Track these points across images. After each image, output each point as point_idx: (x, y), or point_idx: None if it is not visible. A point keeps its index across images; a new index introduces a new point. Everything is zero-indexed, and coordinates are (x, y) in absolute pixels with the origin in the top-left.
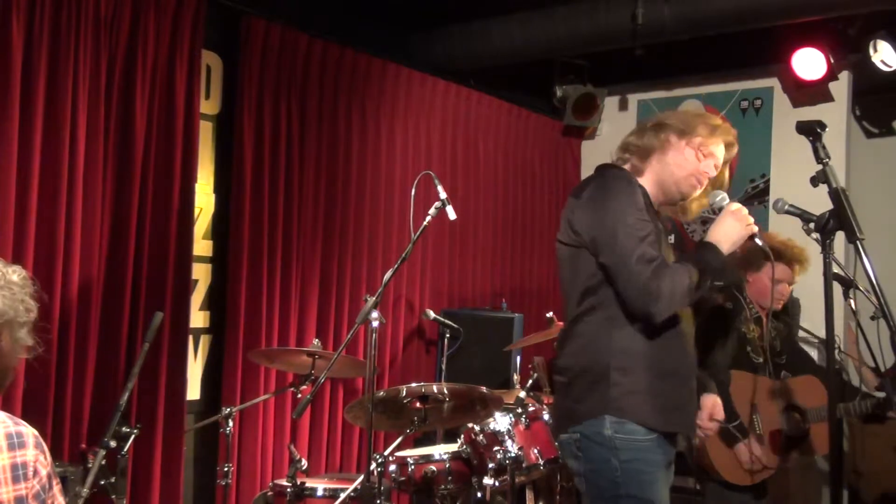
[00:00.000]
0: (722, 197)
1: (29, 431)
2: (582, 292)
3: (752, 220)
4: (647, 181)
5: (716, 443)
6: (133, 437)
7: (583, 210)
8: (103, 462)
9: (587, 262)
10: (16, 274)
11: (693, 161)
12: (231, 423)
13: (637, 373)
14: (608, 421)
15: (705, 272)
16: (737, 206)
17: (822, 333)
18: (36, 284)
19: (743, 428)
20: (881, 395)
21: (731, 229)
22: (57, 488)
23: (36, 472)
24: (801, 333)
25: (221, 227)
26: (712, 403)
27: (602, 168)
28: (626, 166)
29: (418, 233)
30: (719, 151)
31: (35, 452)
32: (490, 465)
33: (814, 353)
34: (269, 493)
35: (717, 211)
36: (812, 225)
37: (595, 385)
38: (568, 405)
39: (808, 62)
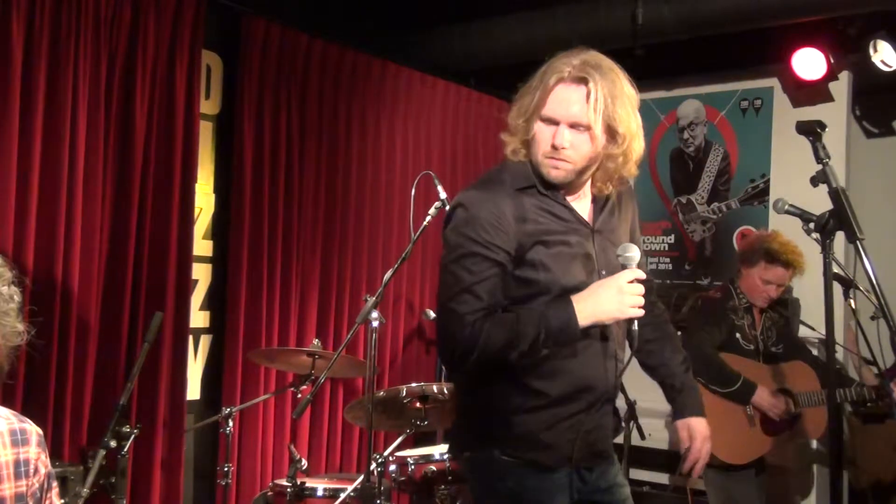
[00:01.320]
0: (630, 255)
1: (33, 429)
2: None
3: (639, 302)
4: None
5: (712, 425)
6: (133, 437)
7: (444, 233)
8: (103, 462)
9: None
10: None
11: (534, 143)
12: (231, 423)
13: (521, 407)
14: (496, 452)
15: (540, 337)
16: (634, 274)
17: (822, 333)
18: (14, 269)
19: (747, 387)
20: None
21: (605, 302)
22: (54, 491)
23: (36, 471)
24: (802, 332)
25: (221, 227)
26: (686, 427)
27: (498, 170)
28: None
29: (418, 233)
30: (560, 98)
31: (37, 451)
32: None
33: (814, 351)
34: (269, 493)
35: (621, 266)
36: (812, 225)
37: (478, 416)
38: (456, 433)
39: (808, 62)
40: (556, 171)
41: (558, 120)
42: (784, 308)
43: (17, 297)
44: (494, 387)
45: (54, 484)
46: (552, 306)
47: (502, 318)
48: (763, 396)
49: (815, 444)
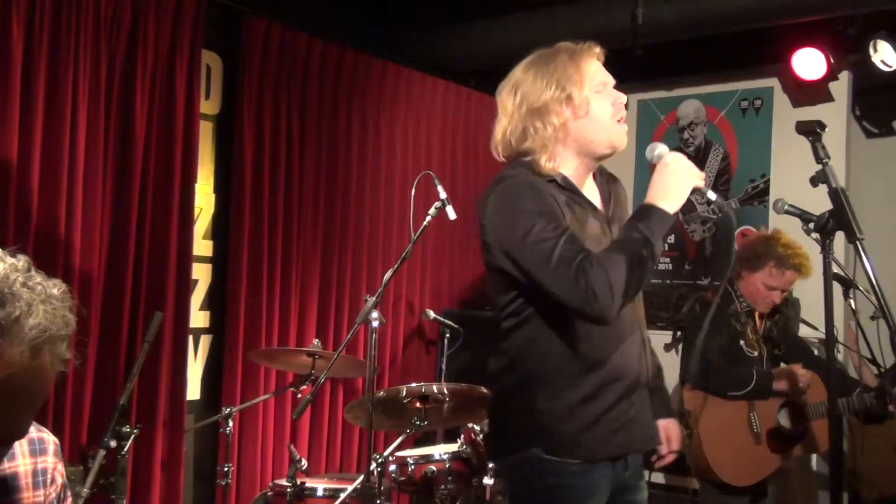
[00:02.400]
0: (660, 150)
1: (50, 438)
2: (503, 307)
3: (694, 168)
4: (566, 165)
5: (713, 441)
6: (133, 437)
7: (490, 229)
8: (103, 462)
9: (503, 284)
10: (56, 288)
11: (600, 109)
12: (231, 423)
13: (563, 397)
14: (534, 453)
15: (649, 240)
16: (676, 155)
17: (822, 333)
18: (75, 298)
19: (764, 378)
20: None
21: (670, 181)
22: (69, 501)
23: (53, 480)
24: (803, 331)
25: (221, 227)
26: (664, 429)
27: (501, 175)
28: (543, 163)
29: (418, 233)
30: (600, 70)
31: (54, 460)
32: (490, 465)
33: (815, 351)
34: (269, 493)
35: (657, 159)
36: (812, 225)
37: (519, 413)
38: (496, 435)
39: (808, 62)
40: (624, 127)
41: (606, 83)
42: (785, 306)
43: (72, 327)
44: (534, 385)
45: (69, 494)
46: (634, 219)
47: (602, 253)
48: (782, 378)
49: (817, 461)
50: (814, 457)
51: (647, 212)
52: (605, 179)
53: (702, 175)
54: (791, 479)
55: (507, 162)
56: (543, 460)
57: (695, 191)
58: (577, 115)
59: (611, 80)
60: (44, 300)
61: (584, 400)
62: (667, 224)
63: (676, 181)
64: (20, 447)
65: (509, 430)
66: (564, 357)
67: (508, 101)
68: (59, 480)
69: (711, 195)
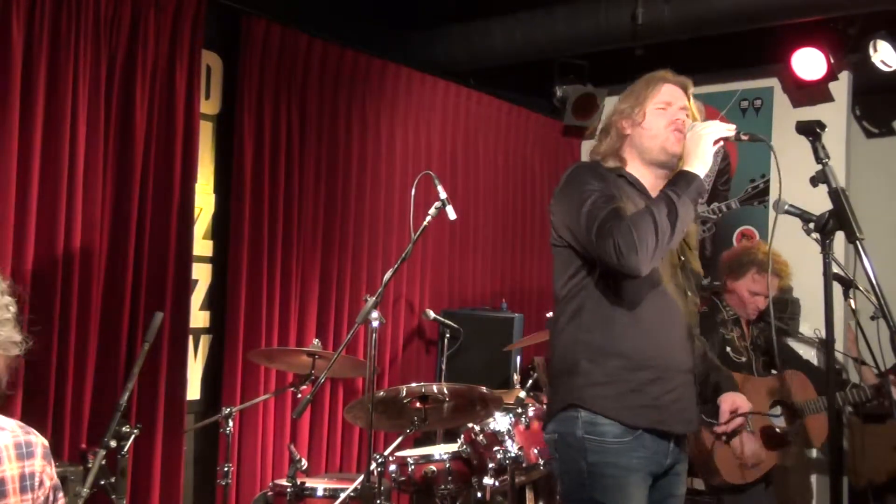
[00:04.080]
0: (690, 125)
1: (38, 441)
2: (560, 287)
3: (720, 125)
4: (633, 167)
5: (722, 443)
6: (133, 437)
7: (555, 204)
8: (103, 462)
9: (567, 257)
10: None
11: (656, 122)
12: (231, 423)
13: (606, 362)
14: (580, 420)
15: (672, 201)
16: (705, 123)
17: (822, 333)
18: (8, 279)
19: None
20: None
21: (692, 146)
22: (60, 503)
23: (41, 484)
24: (802, 332)
25: (221, 227)
26: (731, 399)
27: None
28: (607, 162)
29: (418, 233)
30: (669, 92)
31: (42, 463)
32: (490, 465)
33: (813, 353)
34: (269, 493)
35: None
36: (812, 225)
37: (564, 377)
38: (549, 399)
39: (808, 62)
40: (677, 136)
41: (671, 103)
42: (766, 314)
43: (12, 308)
44: (580, 348)
45: (60, 495)
46: (668, 183)
47: (635, 212)
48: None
49: (815, 452)
50: (814, 455)
51: (675, 176)
52: None
53: (732, 127)
54: (790, 482)
55: None
56: (585, 439)
57: (729, 140)
58: (633, 125)
59: (678, 102)
60: None
61: (623, 369)
62: (692, 183)
63: (697, 142)
64: (6, 451)
65: (558, 396)
66: (606, 332)
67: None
68: (48, 483)
69: (744, 136)
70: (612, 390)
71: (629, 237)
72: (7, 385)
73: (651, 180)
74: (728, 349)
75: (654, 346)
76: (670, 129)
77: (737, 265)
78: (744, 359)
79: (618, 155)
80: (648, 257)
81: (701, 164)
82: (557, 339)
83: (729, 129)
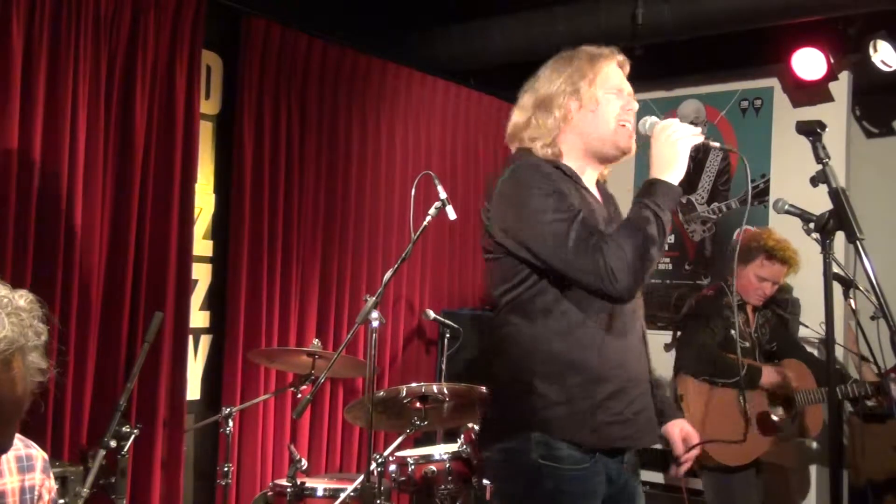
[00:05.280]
0: (651, 121)
1: (38, 455)
2: (500, 296)
3: (688, 128)
4: (570, 157)
5: (707, 424)
6: (133, 437)
7: (496, 214)
8: (103, 462)
9: (510, 267)
10: (23, 299)
11: (608, 109)
12: (231, 423)
13: (563, 379)
14: (533, 442)
15: (658, 216)
16: (667, 122)
17: (822, 333)
18: (44, 307)
19: (753, 370)
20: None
21: (667, 151)
22: None
23: (40, 497)
24: (802, 332)
25: (221, 227)
26: (680, 427)
27: (510, 162)
28: (538, 147)
29: (418, 233)
30: (618, 74)
31: (42, 476)
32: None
33: (814, 352)
34: (269, 493)
35: (649, 129)
36: (812, 225)
37: (516, 397)
38: (490, 419)
39: (808, 62)
40: (628, 130)
41: (622, 89)
42: (777, 306)
43: (43, 336)
44: (534, 369)
45: None
46: (641, 195)
47: (615, 231)
48: (771, 375)
49: (814, 444)
50: (813, 447)
51: (652, 187)
52: (606, 192)
53: (698, 130)
54: (790, 482)
55: (509, 155)
56: (541, 446)
57: (698, 148)
58: (581, 108)
59: (628, 89)
60: (9, 312)
61: (583, 385)
62: (673, 196)
63: (673, 149)
64: (7, 464)
65: (507, 416)
66: (564, 342)
67: (524, 96)
68: (47, 497)
69: (714, 143)
70: (571, 409)
71: (621, 259)
72: (26, 411)
73: (587, 173)
74: (733, 332)
75: (614, 355)
76: (623, 119)
77: (746, 250)
78: (747, 344)
79: (554, 141)
80: (639, 281)
81: (679, 173)
82: (505, 354)
83: (695, 134)
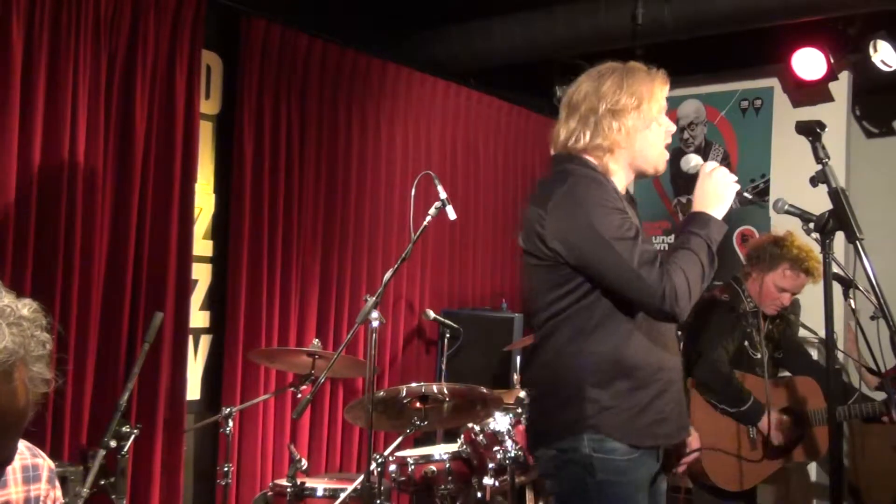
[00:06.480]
0: (695, 162)
1: (45, 464)
2: (550, 303)
3: (732, 176)
4: (616, 169)
5: (709, 445)
6: (133, 437)
7: (556, 224)
8: (103, 462)
9: (566, 276)
10: (27, 308)
11: (658, 131)
12: (231, 423)
13: (613, 385)
14: (586, 438)
15: (710, 247)
16: (712, 164)
17: (821, 333)
18: (48, 317)
19: (756, 408)
20: (879, 398)
21: (717, 189)
22: None
23: None
24: (802, 333)
25: (221, 227)
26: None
27: (563, 168)
28: (590, 158)
29: (418, 233)
30: (664, 97)
31: (47, 487)
32: (490, 465)
33: (814, 353)
34: (269, 493)
35: (692, 175)
36: (812, 225)
37: (569, 401)
38: (543, 423)
39: (808, 62)
40: (666, 154)
41: (664, 111)
42: (786, 310)
43: (48, 346)
44: (584, 375)
45: None
46: (693, 226)
47: (675, 257)
48: (766, 423)
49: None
50: (814, 464)
51: (703, 219)
52: (632, 198)
53: (737, 184)
54: (790, 482)
55: (557, 159)
56: (593, 457)
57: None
58: (639, 125)
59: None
60: (11, 322)
61: (631, 390)
62: (722, 231)
63: (724, 189)
64: (13, 474)
65: (557, 419)
66: (614, 351)
67: (583, 102)
68: None
69: (748, 195)
70: (620, 413)
71: (683, 283)
72: (29, 421)
73: (624, 187)
74: (746, 343)
75: (658, 359)
76: (667, 141)
77: (767, 257)
78: (758, 355)
79: (607, 153)
80: (691, 304)
81: (725, 209)
82: (553, 360)
83: (735, 181)
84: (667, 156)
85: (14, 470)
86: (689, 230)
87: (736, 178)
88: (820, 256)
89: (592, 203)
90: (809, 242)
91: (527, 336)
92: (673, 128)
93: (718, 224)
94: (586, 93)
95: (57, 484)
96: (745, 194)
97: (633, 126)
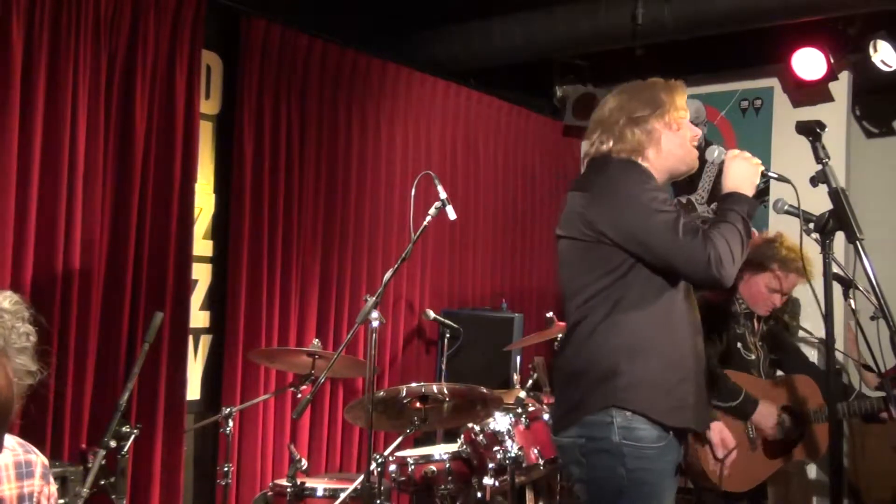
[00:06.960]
0: (720, 151)
1: (38, 460)
2: (589, 283)
3: (755, 158)
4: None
5: (709, 446)
6: (133, 437)
7: (600, 203)
8: (103, 462)
9: (605, 256)
10: (7, 300)
11: (683, 134)
12: (231, 423)
13: (645, 362)
14: (615, 426)
15: (745, 221)
16: (736, 151)
17: (821, 333)
18: (31, 308)
19: (748, 401)
20: (878, 395)
21: (745, 171)
22: None
23: None
24: (802, 333)
25: (221, 227)
26: (719, 430)
27: (603, 160)
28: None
29: (418, 233)
30: (684, 103)
31: (41, 483)
32: (490, 465)
33: (813, 353)
34: (269, 493)
35: (717, 166)
36: (812, 225)
37: (601, 378)
38: (572, 399)
39: (808, 62)
40: (696, 152)
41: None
42: (781, 311)
43: (32, 338)
44: (618, 351)
45: None
46: (728, 204)
47: (715, 227)
48: (763, 413)
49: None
50: (813, 465)
51: (737, 197)
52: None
53: (761, 165)
54: (790, 482)
55: (592, 161)
56: (623, 445)
57: (698, 148)
58: (669, 128)
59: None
60: None
61: (662, 369)
62: (755, 207)
63: (752, 171)
64: (6, 471)
65: (586, 396)
66: (650, 330)
67: (608, 117)
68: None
69: (772, 174)
70: (650, 387)
71: (726, 249)
72: (17, 413)
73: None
74: (739, 344)
75: (683, 346)
76: (693, 141)
77: (759, 257)
78: (753, 356)
79: (642, 154)
80: (735, 271)
81: (753, 190)
82: (588, 339)
83: (761, 167)
84: (696, 154)
85: (7, 467)
86: (725, 207)
87: (759, 161)
88: (811, 256)
89: (634, 182)
90: (808, 242)
91: (527, 336)
92: (697, 132)
93: (751, 201)
94: (611, 109)
95: (51, 480)
96: (770, 173)
97: (652, 129)
